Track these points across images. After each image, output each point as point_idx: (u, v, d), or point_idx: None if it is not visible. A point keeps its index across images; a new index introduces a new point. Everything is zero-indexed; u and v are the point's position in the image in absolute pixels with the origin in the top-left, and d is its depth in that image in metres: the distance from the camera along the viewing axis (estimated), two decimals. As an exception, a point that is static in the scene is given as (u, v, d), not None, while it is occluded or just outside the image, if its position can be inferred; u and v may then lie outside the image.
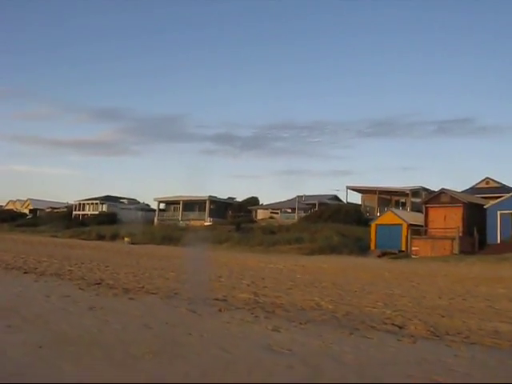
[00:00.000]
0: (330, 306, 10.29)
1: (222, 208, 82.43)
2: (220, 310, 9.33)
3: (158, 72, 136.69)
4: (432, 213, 48.56)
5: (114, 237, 54.50)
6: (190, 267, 17.57)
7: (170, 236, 52.83)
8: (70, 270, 15.89)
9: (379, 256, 45.46)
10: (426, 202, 49.28)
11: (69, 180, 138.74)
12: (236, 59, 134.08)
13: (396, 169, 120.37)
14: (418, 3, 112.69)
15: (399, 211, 53.41)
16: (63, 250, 29.87)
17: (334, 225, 55.49)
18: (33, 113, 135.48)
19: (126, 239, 50.48)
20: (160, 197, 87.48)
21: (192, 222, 77.86)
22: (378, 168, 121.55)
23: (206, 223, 75.25)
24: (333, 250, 44.42)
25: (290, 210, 78.65)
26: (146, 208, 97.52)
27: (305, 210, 74.91)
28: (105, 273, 15.94)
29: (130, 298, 10.51)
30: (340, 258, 39.44)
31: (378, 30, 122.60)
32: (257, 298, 11.20)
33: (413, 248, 46.44)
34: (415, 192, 67.52)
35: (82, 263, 19.44)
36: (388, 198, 70.91)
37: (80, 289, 11.72)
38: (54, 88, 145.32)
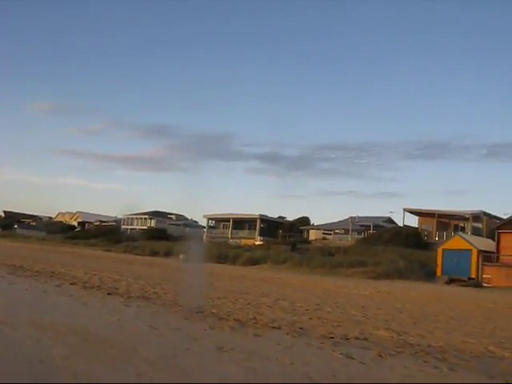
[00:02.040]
0: (507, 354, 8.21)
1: (272, 227, 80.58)
2: (381, 356, 7.38)
3: (207, 90, 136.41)
4: (504, 239, 45.84)
5: (168, 253, 53.03)
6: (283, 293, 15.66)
7: (226, 254, 51.11)
8: (155, 293, 14.12)
9: (447, 283, 42.93)
10: (498, 228, 46.63)
11: (117, 194, 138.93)
12: (285, 80, 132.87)
13: (444, 192, 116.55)
14: (475, 28, 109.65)
15: (468, 236, 50.54)
16: (126, 267, 28.34)
17: (395, 248, 52.89)
18: (84, 128, 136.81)
19: (181, 256, 48.87)
20: (210, 214, 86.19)
21: (242, 241, 76.24)
22: (426, 191, 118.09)
23: (257, 242, 73.41)
24: (400, 274, 41.96)
25: (342, 231, 76.34)
26: (194, 224, 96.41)
27: (358, 232, 72.65)
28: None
29: (256, 335, 8.64)
30: (410, 283, 36.97)
31: (429, 52, 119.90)
32: (403, 338, 9.19)
33: (484, 276, 43.78)
34: (476, 216, 64.56)
35: (159, 283, 17.72)
36: (446, 221, 68.05)
37: (185, 319, 9.91)
38: (106, 104, 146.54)
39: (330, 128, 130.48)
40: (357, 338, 8.85)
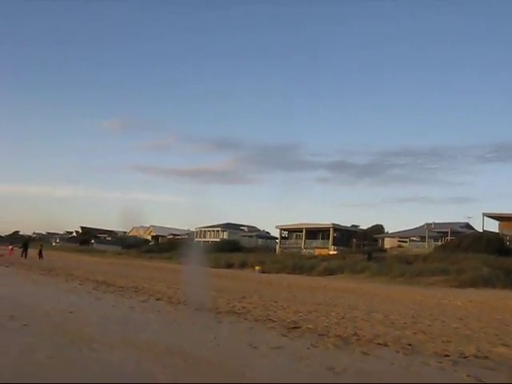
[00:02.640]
0: None
1: (345, 236, 79.44)
2: (515, 379, 6.52)
3: (273, 100, 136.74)
4: None
5: (243, 265, 52.74)
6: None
7: (301, 265, 50.29)
8: (243, 307, 13.58)
9: (536, 290, 40.55)
10: None
11: (188, 208, 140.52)
12: (349, 88, 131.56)
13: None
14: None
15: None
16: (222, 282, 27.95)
17: (476, 255, 50.63)
18: (154, 144, 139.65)
19: (256, 268, 48.52)
20: (282, 224, 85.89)
21: (316, 251, 75.40)
22: (501, 195, 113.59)
23: (331, 252, 72.35)
24: (485, 282, 39.91)
25: (418, 239, 74.25)
26: (266, 235, 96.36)
27: (435, 239, 70.50)
28: (287, 311, 13.48)
29: (364, 353, 7.91)
30: (498, 292, 34.97)
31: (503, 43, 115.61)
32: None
33: None
34: None
35: (243, 297, 17.21)
36: (530, 225, 64.95)
37: (283, 335, 9.29)
38: (173, 119, 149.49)
39: (398, 134, 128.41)
40: (476, 357, 7.95)
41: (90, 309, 11.51)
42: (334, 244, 77.56)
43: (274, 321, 11.18)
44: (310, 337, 9.27)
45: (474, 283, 39.63)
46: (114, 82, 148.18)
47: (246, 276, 38.59)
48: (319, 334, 9.64)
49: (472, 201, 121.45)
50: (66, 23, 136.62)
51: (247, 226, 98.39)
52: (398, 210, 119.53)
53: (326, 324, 11.14)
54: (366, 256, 57.59)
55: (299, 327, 10.40)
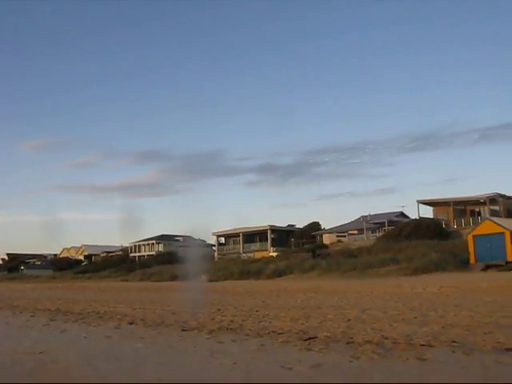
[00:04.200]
0: None
1: (283, 236, 78.80)
2: None
3: (194, 108, 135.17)
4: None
5: (187, 276, 50.68)
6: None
7: (248, 269, 48.96)
8: (231, 321, 11.98)
9: (484, 269, 41.13)
10: (530, 206, 45.05)
11: (117, 223, 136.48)
12: (272, 88, 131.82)
13: (441, 181, 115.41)
14: (457, 13, 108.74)
15: (498, 219, 48.59)
16: (158, 295, 26.17)
17: (418, 241, 51.13)
18: (77, 162, 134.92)
19: (203, 277, 46.65)
20: (218, 231, 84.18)
21: (256, 254, 74.37)
22: (423, 183, 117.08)
23: (271, 253, 71.42)
24: (436, 267, 39.99)
25: (356, 232, 74.55)
26: (203, 244, 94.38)
27: (372, 230, 71.01)
28: (282, 320, 11.97)
29: (419, 358, 6.55)
30: (452, 275, 34.99)
31: (410, 43, 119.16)
32: None
33: (523, 257, 42.08)
34: (492, 199, 63.02)
35: (219, 309, 15.59)
36: (462, 208, 66.53)
37: (307, 349, 7.83)
38: (95, 135, 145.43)
39: (320, 132, 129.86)
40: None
41: (60, 345, 9.58)
42: (272, 245, 76.73)
43: (279, 333, 9.68)
44: (339, 347, 7.88)
45: (427, 269, 39.68)
46: (31, 104, 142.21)
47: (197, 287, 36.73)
48: (346, 343, 8.26)
49: (397, 190, 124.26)
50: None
51: (182, 236, 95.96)
52: (329, 207, 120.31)
53: (340, 329, 9.74)
54: (311, 254, 57.04)
55: (315, 337, 8.96)
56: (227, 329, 10.63)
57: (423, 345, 7.74)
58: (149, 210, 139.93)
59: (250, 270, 48.56)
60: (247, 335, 9.68)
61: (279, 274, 45.36)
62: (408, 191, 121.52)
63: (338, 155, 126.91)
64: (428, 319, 10.94)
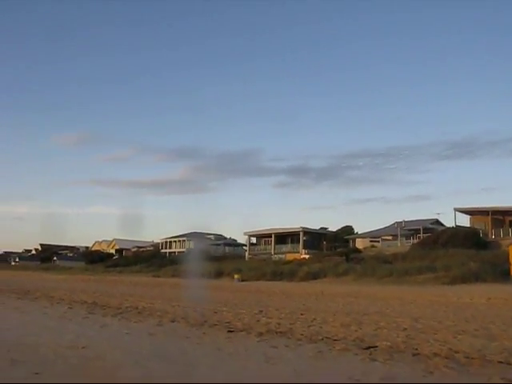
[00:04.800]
0: None
1: (315, 239, 77.84)
2: None
3: (229, 107, 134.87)
4: None
5: (219, 274, 50.38)
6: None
7: (280, 271, 48.26)
8: (278, 324, 11.38)
9: (524, 282, 39.72)
10: None
11: (149, 219, 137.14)
12: (306, 91, 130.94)
13: (478, 191, 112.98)
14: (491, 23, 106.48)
15: (541, 230, 46.99)
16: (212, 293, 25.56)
17: (455, 250, 49.74)
18: (112, 156, 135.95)
19: (236, 276, 46.26)
20: (250, 230, 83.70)
21: (287, 255, 73.64)
22: (458, 191, 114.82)
23: (303, 255, 70.63)
24: (476, 277, 38.70)
25: (390, 238, 73.31)
26: (234, 243, 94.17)
27: (406, 237, 69.72)
28: (333, 325, 11.31)
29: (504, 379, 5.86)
30: (493, 286, 33.68)
31: (447, 52, 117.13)
32: None
33: None
34: (533, 210, 61.29)
35: (260, 310, 14.98)
36: (501, 218, 64.81)
37: (372, 360, 7.18)
38: (131, 130, 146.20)
39: (355, 136, 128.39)
40: None
41: (103, 341, 9.09)
42: (304, 248, 75.90)
43: (334, 339, 9.05)
44: (405, 359, 7.24)
45: (465, 279, 38.40)
46: (67, 97, 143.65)
47: (229, 286, 36.37)
48: (413, 355, 7.59)
49: (431, 198, 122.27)
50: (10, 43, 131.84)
51: (213, 234, 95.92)
52: (361, 211, 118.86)
53: (400, 339, 9.06)
54: (344, 258, 56.07)
55: (375, 346, 8.31)
56: (276, 332, 10.03)
57: (501, 362, 7.03)
58: (180, 207, 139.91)
59: (283, 272, 47.82)
60: (300, 340, 9.07)
61: (313, 276, 44.56)
62: (443, 199, 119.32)
63: (371, 160, 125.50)
64: (492, 333, 10.18)
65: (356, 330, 10.24)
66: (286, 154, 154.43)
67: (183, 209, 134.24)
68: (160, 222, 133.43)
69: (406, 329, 10.52)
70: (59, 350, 7.84)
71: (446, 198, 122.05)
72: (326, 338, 9.25)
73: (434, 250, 52.18)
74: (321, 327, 10.77)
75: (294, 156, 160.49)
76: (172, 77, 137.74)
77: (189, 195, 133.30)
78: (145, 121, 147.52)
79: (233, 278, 46.76)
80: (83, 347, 8.14)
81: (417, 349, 8.02)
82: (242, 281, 44.89)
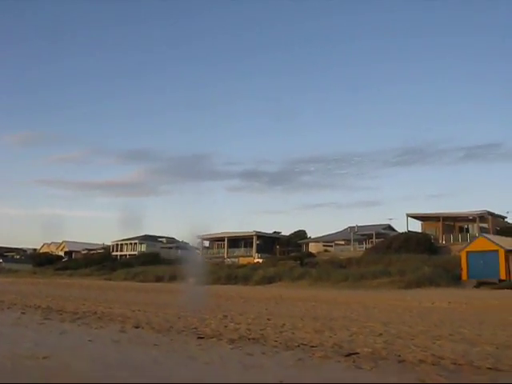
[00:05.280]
0: None
1: (268, 243, 77.75)
2: None
3: (184, 111, 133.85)
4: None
5: (173, 278, 49.55)
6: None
7: (235, 274, 47.85)
8: (248, 330, 10.90)
9: (476, 287, 40.58)
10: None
11: (100, 221, 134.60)
12: (261, 95, 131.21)
13: (426, 197, 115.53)
14: (447, 28, 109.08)
15: (492, 236, 48.15)
16: (148, 296, 24.96)
17: (408, 255, 50.47)
18: (62, 157, 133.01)
19: (190, 280, 45.40)
20: (203, 234, 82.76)
21: (240, 259, 73.30)
22: (408, 197, 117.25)
23: (256, 259, 70.41)
24: (430, 282, 39.27)
25: (343, 242, 73.88)
26: (186, 246, 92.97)
27: (359, 242, 70.46)
28: (304, 331, 10.89)
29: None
30: (447, 291, 34.23)
31: (401, 57, 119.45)
32: None
33: (516, 276, 41.72)
34: (481, 216, 62.83)
35: (225, 316, 14.47)
36: (451, 224, 66.27)
37: (357, 367, 6.79)
38: (82, 131, 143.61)
39: (307, 142, 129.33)
40: None
41: (65, 349, 8.41)
42: (257, 252, 75.73)
43: (311, 346, 8.64)
44: (391, 366, 6.91)
45: (420, 283, 38.96)
46: (23, 96, 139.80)
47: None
48: (398, 362, 7.26)
49: (381, 203, 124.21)
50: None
51: (165, 238, 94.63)
52: (312, 216, 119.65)
53: (379, 345, 8.71)
54: (298, 262, 56.10)
55: (356, 353, 7.95)
56: (248, 339, 9.55)
57: (490, 368, 6.76)
58: (132, 210, 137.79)
59: (238, 275, 47.51)
60: (275, 347, 8.61)
61: (268, 280, 44.38)
62: (393, 205, 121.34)
63: (323, 165, 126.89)
64: (467, 337, 9.98)
65: (330, 336, 9.86)
66: (240, 157, 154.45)
67: (135, 211, 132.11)
68: (110, 224, 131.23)
69: (381, 334, 10.20)
70: (18, 361, 7.16)
71: (396, 204, 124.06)
72: (302, 344, 8.83)
73: (387, 254, 52.83)
74: (293, 333, 10.34)
75: (248, 160, 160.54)
76: (125, 80, 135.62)
77: (141, 198, 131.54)
78: (97, 123, 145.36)
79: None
80: (44, 357, 7.44)
81: (400, 355, 7.69)
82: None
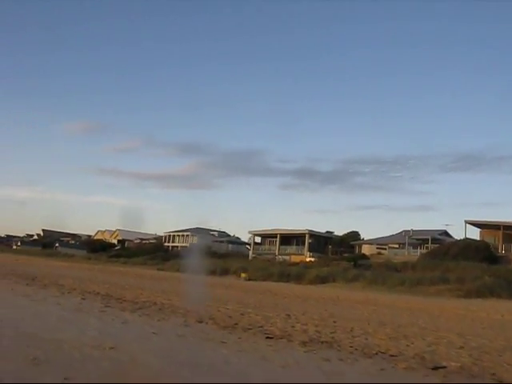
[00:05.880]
0: None
1: (321, 242, 76.64)
2: None
3: (240, 105, 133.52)
4: None
5: (225, 271, 49.33)
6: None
7: (288, 272, 47.20)
8: (317, 331, 10.33)
9: (539, 300, 38.60)
10: None
11: (151, 212, 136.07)
12: (317, 94, 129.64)
13: (482, 204, 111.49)
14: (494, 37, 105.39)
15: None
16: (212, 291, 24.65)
17: (467, 263, 48.56)
18: (119, 147, 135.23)
19: (242, 275, 45.25)
20: (255, 230, 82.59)
21: (292, 257, 72.53)
22: (461, 204, 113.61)
23: (308, 258, 69.53)
24: (491, 292, 37.58)
25: (397, 246, 72.20)
26: (237, 241, 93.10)
27: (414, 246, 68.61)
28: (377, 337, 10.24)
29: None
30: (508, 302, 32.64)
31: (457, 64, 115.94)
32: None
33: None
34: (544, 226, 60.11)
35: (288, 315, 13.93)
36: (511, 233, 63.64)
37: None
38: (139, 122, 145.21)
39: (362, 142, 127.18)
40: None
41: (130, 341, 8.06)
42: (309, 250, 74.79)
43: (391, 355, 8.00)
44: None
45: (480, 293, 37.31)
46: (78, 85, 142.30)
47: (237, 284, 35.25)
48: (493, 380, 6.55)
49: (435, 209, 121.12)
50: (24, 30, 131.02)
51: (217, 231, 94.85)
52: (364, 218, 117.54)
53: (465, 359, 7.99)
54: (352, 263, 55.00)
55: (444, 367, 7.27)
56: (321, 342, 8.99)
57: None
58: (184, 202, 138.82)
59: (290, 273, 46.73)
60: (351, 353, 8.03)
61: (321, 280, 43.48)
62: (447, 211, 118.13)
63: (378, 167, 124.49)
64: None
65: (408, 345, 9.19)
66: (293, 155, 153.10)
67: (187, 204, 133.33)
68: (163, 215, 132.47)
69: (462, 347, 9.46)
70: (85, 350, 6.83)
71: (451, 210, 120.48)
72: (380, 352, 8.22)
73: (444, 261, 51.10)
74: (366, 339, 9.72)
75: (301, 158, 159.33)
76: (181, 72, 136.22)
77: (193, 191, 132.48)
78: (152, 114, 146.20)
79: (239, 276, 45.75)
80: (111, 347, 7.11)
81: (494, 373, 6.98)
82: (249, 280, 43.86)
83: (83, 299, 13.91)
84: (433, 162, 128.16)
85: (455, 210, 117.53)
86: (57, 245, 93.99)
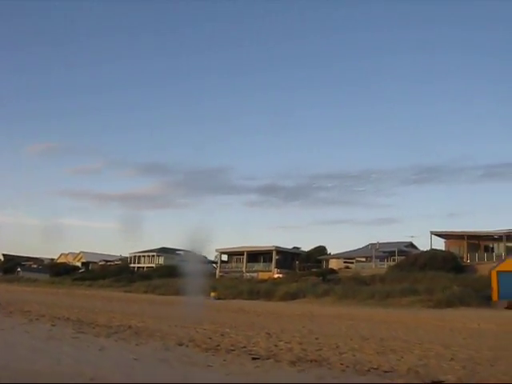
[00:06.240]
0: None
1: (288, 258, 76.42)
2: None
3: (203, 125, 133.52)
4: None
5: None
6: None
7: (257, 289, 46.78)
8: (303, 350, 9.95)
9: (507, 307, 39.02)
10: None
11: (117, 233, 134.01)
12: (278, 110, 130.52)
13: (444, 215, 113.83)
14: (461, 46, 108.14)
15: (524, 256, 46.61)
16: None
17: (435, 273, 48.97)
18: (81, 168, 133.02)
19: (212, 294, 44.61)
20: (222, 248, 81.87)
21: (259, 274, 72.06)
22: (424, 215, 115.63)
23: (276, 275, 69.16)
24: (461, 301, 37.86)
25: (364, 259, 72.47)
26: (204, 260, 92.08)
27: (380, 259, 68.95)
28: (365, 353, 9.92)
29: None
30: (479, 311, 32.83)
31: (420, 74, 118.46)
32: None
33: (551, 297, 40.11)
34: (508, 236, 61.08)
35: (268, 333, 13.52)
36: (476, 242, 64.56)
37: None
38: (102, 143, 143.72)
39: (325, 158, 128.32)
40: None
41: (111, 369, 7.52)
42: (276, 267, 74.45)
43: (385, 371, 7.71)
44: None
45: (450, 303, 37.56)
46: (39, 107, 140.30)
47: (208, 304, 34.61)
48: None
49: (399, 221, 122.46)
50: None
51: (183, 251, 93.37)
52: (329, 232, 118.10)
53: (461, 371, 7.75)
54: (321, 278, 54.92)
55: (441, 381, 6.99)
56: (309, 360, 8.61)
57: None
58: (149, 223, 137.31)
59: (260, 291, 46.38)
60: (343, 371, 7.68)
61: (292, 296, 43.24)
62: (411, 222, 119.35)
63: (341, 181, 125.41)
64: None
65: (398, 360, 8.91)
66: (256, 173, 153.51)
67: (153, 224, 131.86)
68: (129, 236, 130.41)
69: (452, 359, 9.22)
70: (65, 380, 6.31)
71: (415, 222, 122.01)
72: (373, 368, 7.90)
73: (412, 272, 51.40)
74: (354, 355, 9.40)
75: (266, 175, 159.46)
76: (142, 92, 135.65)
77: (158, 210, 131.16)
78: (116, 135, 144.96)
79: (208, 295, 45.10)
80: (91, 378, 6.60)
81: (494, 386, 6.73)
82: (219, 299, 43.28)
83: (53, 325, 13.23)
84: (395, 176, 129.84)
85: (419, 222, 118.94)
86: (18, 269, 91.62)
